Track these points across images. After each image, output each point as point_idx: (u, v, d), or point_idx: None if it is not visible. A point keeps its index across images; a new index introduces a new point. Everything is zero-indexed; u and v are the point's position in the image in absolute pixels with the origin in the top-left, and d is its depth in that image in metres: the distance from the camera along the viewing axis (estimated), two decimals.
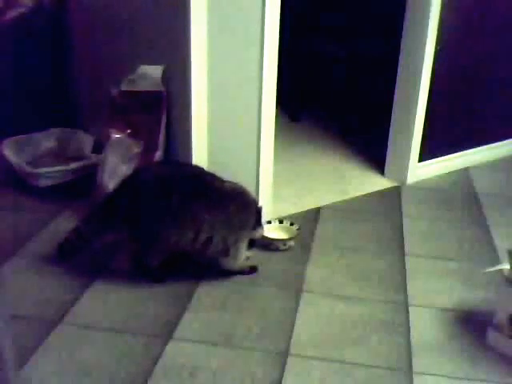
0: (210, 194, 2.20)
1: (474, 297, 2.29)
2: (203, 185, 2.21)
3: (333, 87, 4.23)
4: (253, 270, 2.36)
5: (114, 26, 2.84)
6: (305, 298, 2.24)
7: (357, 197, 3.07)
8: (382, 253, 2.57)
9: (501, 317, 2.00)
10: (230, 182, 2.27)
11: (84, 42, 3.15)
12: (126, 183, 2.29)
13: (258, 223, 2.32)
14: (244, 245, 2.29)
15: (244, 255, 2.32)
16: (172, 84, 2.52)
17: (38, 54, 3.19)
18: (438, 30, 2.94)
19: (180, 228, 2.17)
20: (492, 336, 2.02)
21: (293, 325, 2.09)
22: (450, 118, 3.27)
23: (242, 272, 2.33)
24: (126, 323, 2.06)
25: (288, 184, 3.09)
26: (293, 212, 2.80)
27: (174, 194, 2.16)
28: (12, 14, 3.12)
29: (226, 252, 2.25)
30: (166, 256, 2.26)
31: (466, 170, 3.41)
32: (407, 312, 2.19)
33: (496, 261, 2.51)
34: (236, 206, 2.23)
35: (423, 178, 3.26)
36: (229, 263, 2.29)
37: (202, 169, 2.33)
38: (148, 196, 2.19)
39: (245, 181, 2.38)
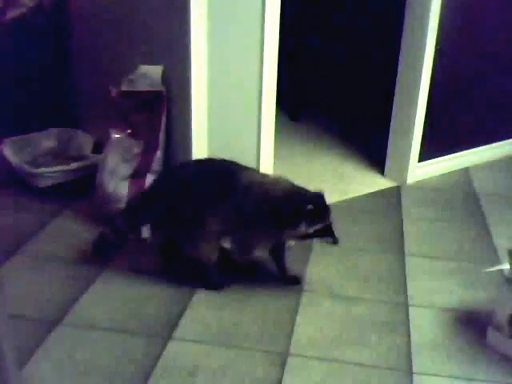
0: (240, 193, 2.13)
1: (474, 297, 2.29)
2: (236, 184, 2.14)
3: (333, 87, 4.23)
4: (252, 270, 2.36)
5: (113, 25, 2.84)
6: (305, 297, 2.24)
7: (357, 197, 3.06)
8: (382, 253, 2.57)
9: (501, 317, 1.99)
10: (278, 181, 2.20)
11: (84, 42, 3.15)
12: (164, 178, 2.31)
13: (300, 222, 2.10)
14: (263, 244, 2.24)
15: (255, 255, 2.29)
16: (172, 84, 2.52)
17: (38, 54, 3.19)
18: (438, 30, 2.94)
19: (205, 225, 2.13)
20: (492, 336, 2.02)
21: (293, 325, 2.09)
22: (450, 118, 3.26)
23: (242, 271, 2.33)
24: (126, 323, 2.06)
25: None
26: None
27: (203, 192, 2.13)
28: (12, 13, 3.12)
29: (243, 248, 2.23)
30: (214, 247, 2.21)
31: (466, 169, 3.41)
32: (407, 312, 2.19)
33: (496, 261, 2.51)
34: (267, 206, 2.12)
35: (423, 177, 3.26)
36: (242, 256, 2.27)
37: (246, 167, 2.26)
38: (181, 192, 2.16)
39: None
